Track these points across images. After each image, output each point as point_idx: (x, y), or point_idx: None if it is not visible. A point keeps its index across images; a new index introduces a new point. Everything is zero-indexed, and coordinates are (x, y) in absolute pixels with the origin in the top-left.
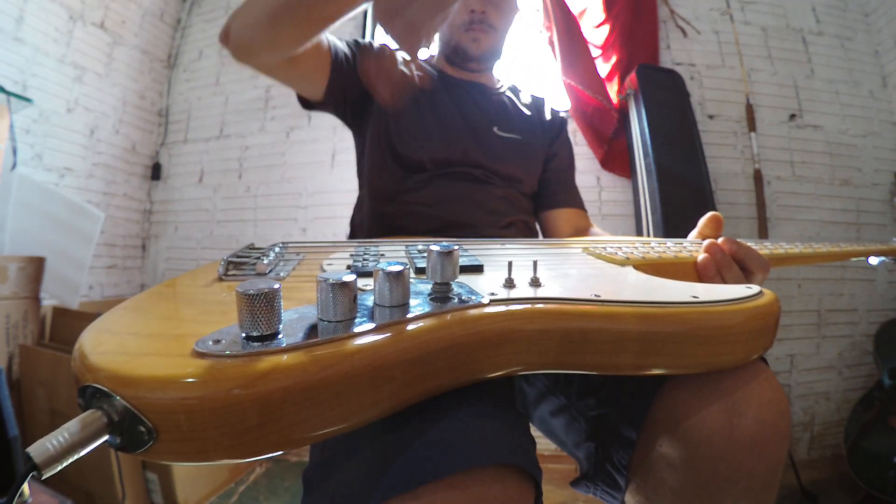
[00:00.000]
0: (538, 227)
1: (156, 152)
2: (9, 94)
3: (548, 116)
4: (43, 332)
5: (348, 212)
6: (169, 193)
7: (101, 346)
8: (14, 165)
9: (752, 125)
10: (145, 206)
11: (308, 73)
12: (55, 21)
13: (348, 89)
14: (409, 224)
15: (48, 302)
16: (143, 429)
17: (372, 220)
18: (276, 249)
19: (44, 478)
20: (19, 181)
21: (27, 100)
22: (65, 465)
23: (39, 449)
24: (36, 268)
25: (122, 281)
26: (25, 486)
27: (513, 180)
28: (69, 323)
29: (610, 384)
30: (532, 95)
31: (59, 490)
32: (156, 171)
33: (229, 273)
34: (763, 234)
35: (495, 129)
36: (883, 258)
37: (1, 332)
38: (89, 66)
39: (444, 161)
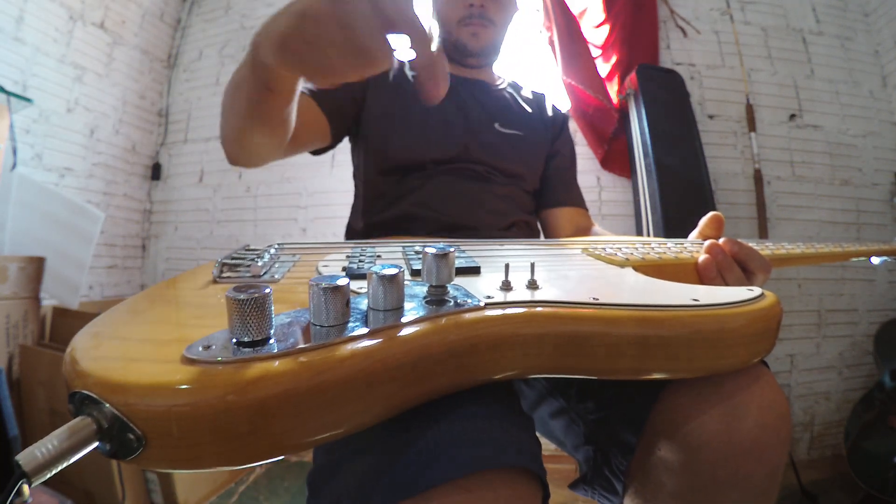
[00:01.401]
0: (539, 226)
1: (156, 152)
2: (9, 94)
3: (549, 113)
4: (43, 332)
5: (348, 212)
6: (169, 193)
7: (91, 351)
8: (14, 165)
9: (752, 125)
10: (145, 206)
11: (312, 138)
12: (55, 21)
13: (346, 112)
14: (410, 228)
15: (48, 302)
16: (132, 436)
17: (368, 232)
18: (272, 251)
19: (33, 485)
20: (19, 181)
21: (27, 100)
22: (55, 472)
23: (28, 456)
24: (36, 268)
25: (122, 281)
26: (25, 486)
27: (515, 177)
28: (69, 323)
29: (610, 388)
30: (533, 92)
31: (59, 490)
32: (156, 171)
33: (224, 275)
34: (763, 234)
35: (497, 125)
36: (885, 258)
37: (1, 332)
38: (89, 66)
39: (444, 159)
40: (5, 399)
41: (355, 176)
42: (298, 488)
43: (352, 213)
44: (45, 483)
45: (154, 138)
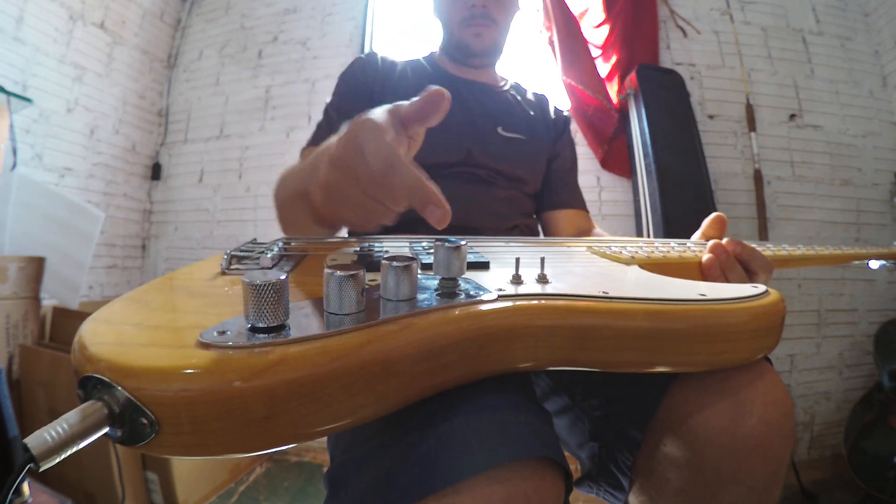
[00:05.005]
0: (540, 227)
1: (156, 152)
2: (9, 94)
3: (551, 115)
4: (43, 332)
5: None
6: (169, 193)
7: (101, 336)
8: (14, 165)
9: (752, 125)
10: (145, 206)
11: None
12: (55, 21)
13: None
14: (413, 231)
15: (48, 302)
16: (144, 421)
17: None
18: (280, 244)
19: (41, 469)
20: (19, 181)
21: (27, 100)
22: (63, 457)
23: (38, 440)
24: (36, 268)
25: (122, 281)
26: (25, 486)
27: (517, 181)
28: (69, 323)
29: (614, 384)
30: (535, 94)
31: (59, 490)
32: (156, 171)
33: (232, 267)
34: (763, 233)
35: (499, 129)
36: (884, 262)
37: (1, 332)
38: (89, 66)
39: (446, 163)
40: (5, 399)
41: None
42: (298, 488)
43: None
44: (45, 482)
45: (154, 138)
